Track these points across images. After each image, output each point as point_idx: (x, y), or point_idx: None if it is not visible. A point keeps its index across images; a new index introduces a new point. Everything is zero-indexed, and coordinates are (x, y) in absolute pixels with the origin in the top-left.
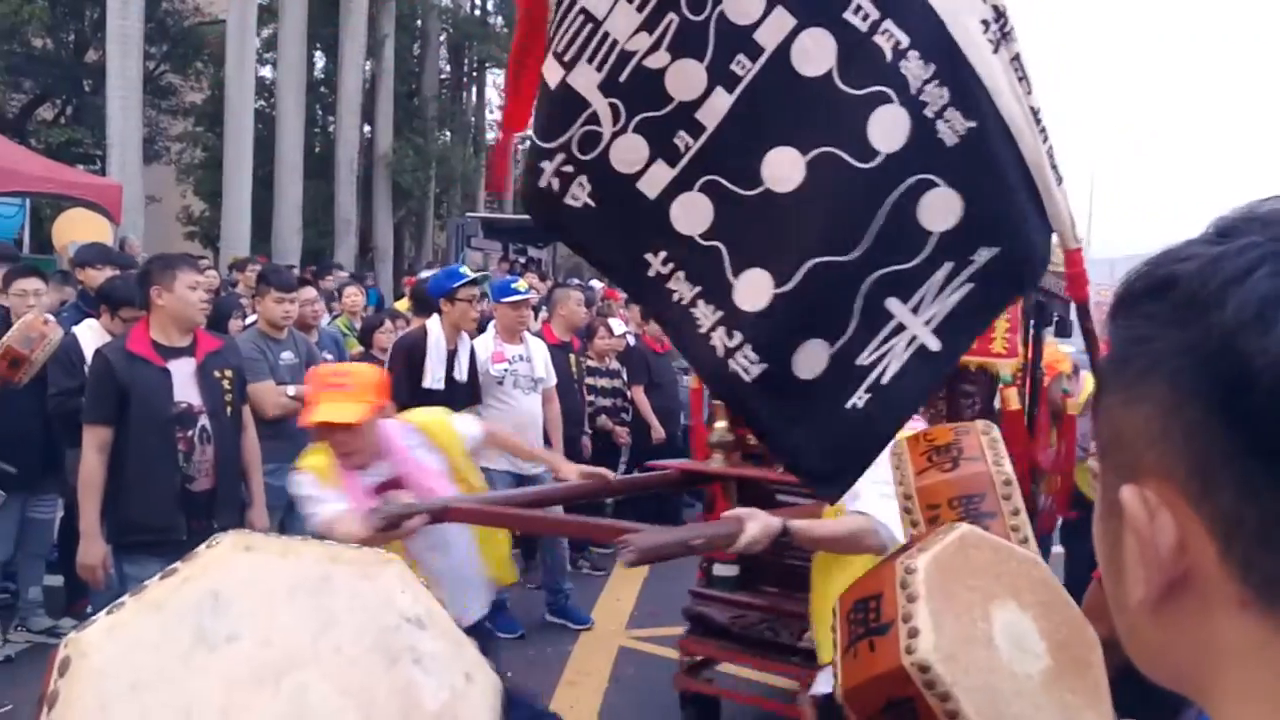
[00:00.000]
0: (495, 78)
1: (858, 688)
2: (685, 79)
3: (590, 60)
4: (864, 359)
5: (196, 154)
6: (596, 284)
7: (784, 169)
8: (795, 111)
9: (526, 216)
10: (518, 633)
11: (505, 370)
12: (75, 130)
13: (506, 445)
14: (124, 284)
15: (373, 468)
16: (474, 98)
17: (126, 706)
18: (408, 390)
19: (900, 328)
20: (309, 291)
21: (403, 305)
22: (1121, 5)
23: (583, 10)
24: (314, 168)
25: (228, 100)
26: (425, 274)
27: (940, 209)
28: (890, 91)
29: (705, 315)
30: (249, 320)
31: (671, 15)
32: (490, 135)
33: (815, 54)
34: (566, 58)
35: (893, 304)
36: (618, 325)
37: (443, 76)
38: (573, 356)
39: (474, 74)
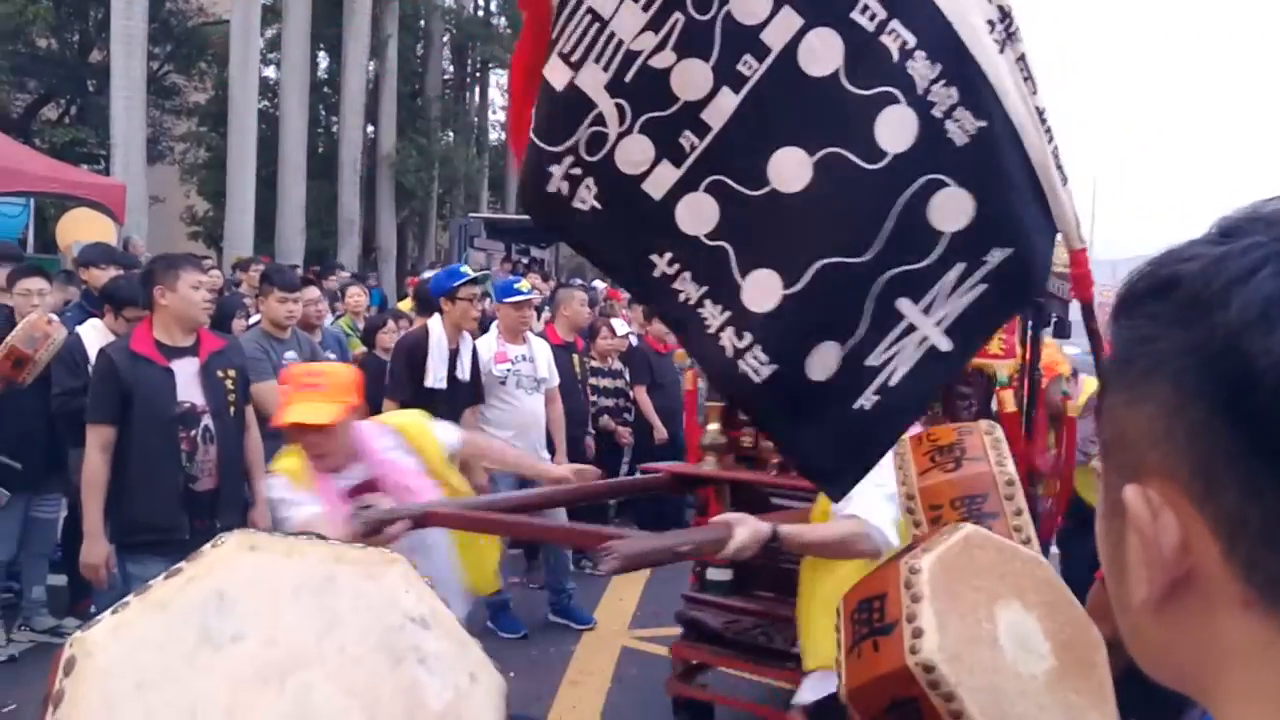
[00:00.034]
0: (498, 78)
1: (862, 688)
2: (691, 79)
3: (597, 60)
4: (873, 360)
5: (200, 154)
6: (599, 284)
7: (790, 169)
8: (802, 112)
9: (529, 217)
10: (521, 633)
11: (508, 370)
12: (79, 130)
13: (486, 453)
14: (127, 284)
15: (347, 470)
16: (477, 98)
17: (131, 705)
18: (410, 390)
19: (911, 328)
20: (313, 291)
21: (406, 305)
22: (1128, 5)
23: (590, 10)
24: (317, 168)
25: (231, 100)
26: (428, 274)
27: (951, 209)
28: (897, 92)
29: (713, 315)
30: (252, 320)
31: (677, 14)
32: (494, 136)
33: (822, 54)
34: (574, 58)
35: (903, 304)
36: (620, 325)
37: (446, 77)
38: (576, 357)
39: (477, 74)
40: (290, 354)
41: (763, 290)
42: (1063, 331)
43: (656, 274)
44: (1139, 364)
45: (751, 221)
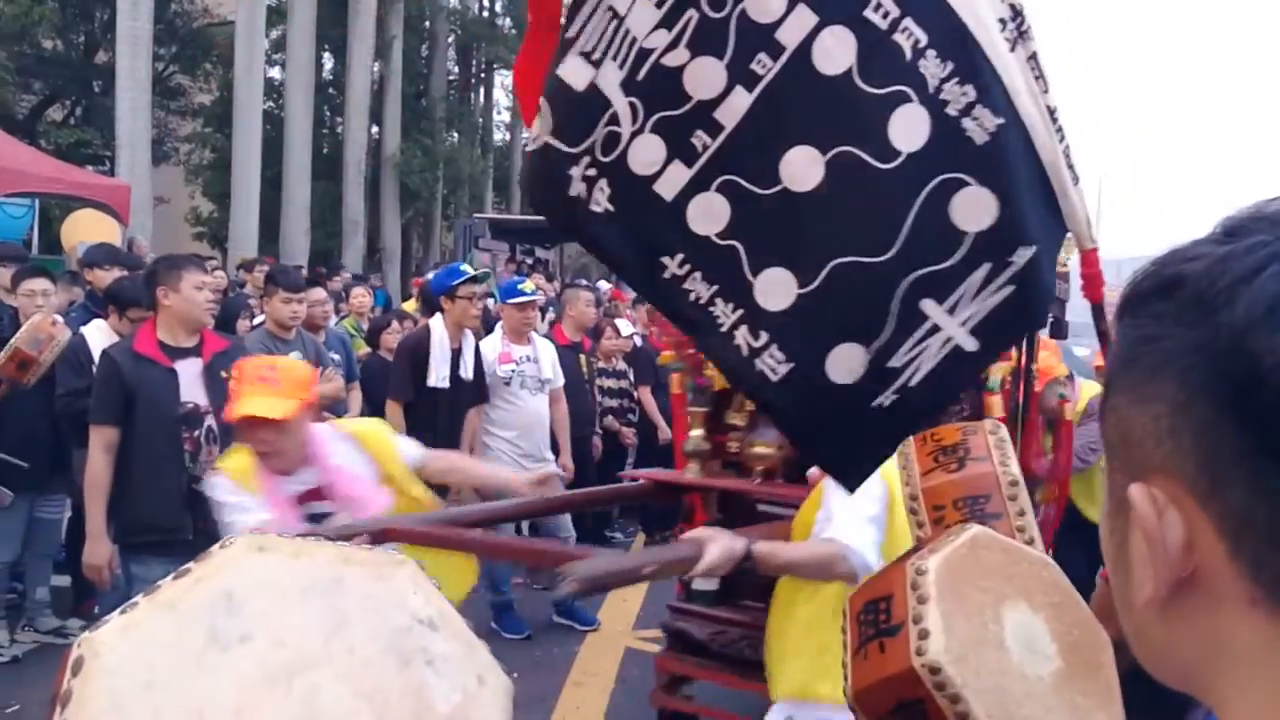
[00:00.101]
0: (503, 79)
1: (868, 689)
2: (704, 77)
3: (614, 58)
4: (896, 361)
5: (205, 155)
6: (604, 284)
7: (802, 168)
8: (815, 111)
9: (533, 217)
10: (524, 634)
11: (512, 371)
12: (84, 131)
13: (456, 469)
14: (132, 285)
15: (298, 473)
16: (482, 99)
17: (139, 706)
18: (413, 390)
19: (935, 329)
20: (318, 292)
21: (410, 306)
22: (1141, 3)
23: (609, 7)
24: (322, 169)
25: (236, 101)
26: (433, 275)
27: (974, 208)
28: (910, 90)
29: (724, 313)
30: (257, 321)
31: (691, 12)
32: (498, 136)
33: (836, 52)
34: (594, 56)
35: (928, 305)
36: (625, 326)
37: (451, 78)
38: (583, 357)
39: (482, 75)
40: (294, 355)
41: (777, 289)
42: (1059, 332)
43: (667, 275)
44: (1144, 363)
45: (762, 220)
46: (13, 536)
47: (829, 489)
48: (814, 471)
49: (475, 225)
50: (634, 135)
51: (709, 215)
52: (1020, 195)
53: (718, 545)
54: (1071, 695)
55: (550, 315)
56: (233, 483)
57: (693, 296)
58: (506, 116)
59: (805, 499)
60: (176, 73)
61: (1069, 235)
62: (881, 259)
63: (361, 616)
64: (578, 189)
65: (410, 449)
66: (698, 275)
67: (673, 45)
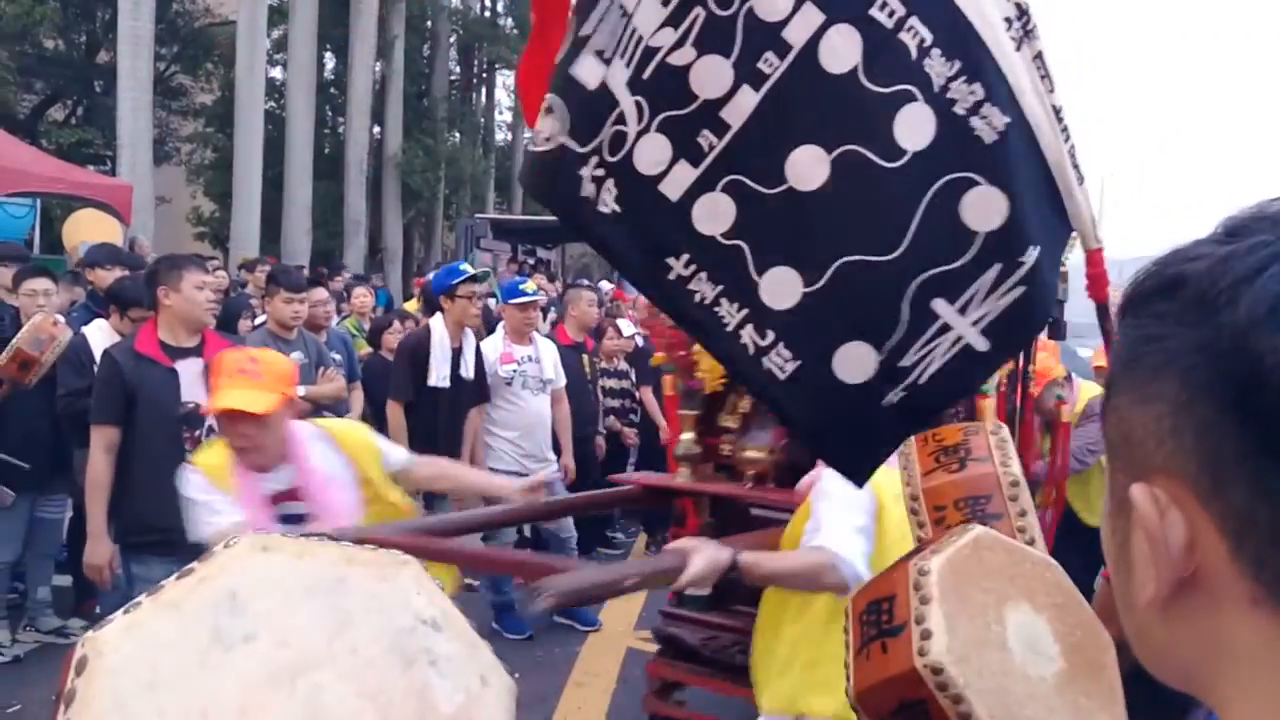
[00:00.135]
0: (505, 79)
1: (870, 689)
2: (711, 76)
3: (622, 56)
4: (907, 361)
5: (207, 155)
6: (605, 284)
7: (807, 167)
8: (820, 109)
9: (535, 217)
10: (526, 634)
11: (514, 371)
12: (86, 131)
13: (445, 477)
14: (133, 284)
15: (275, 471)
16: (483, 99)
17: (143, 705)
18: (413, 390)
19: (945, 328)
20: (320, 293)
21: (412, 306)
22: (1147, 1)
23: (620, 5)
24: (324, 168)
25: (238, 101)
26: (433, 275)
27: (985, 208)
28: (915, 89)
29: (730, 314)
30: (258, 321)
31: (699, 9)
32: (500, 136)
33: (842, 51)
34: (605, 54)
35: (939, 304)
36: (626, 326)
37: (452, 78)
38: (586, 357)
39: (483, 75)
40: (296, 355)
41: (782, 288)
42: (1058, 332)
43: (672, 276)
44: (1146, 363)
45: (767, 220)
46: (14, 536)
47: (817, 499)
48: (804, 483)
49: (477, 225)
50: (640, 135)
51: (714, 215)
52: (1025, 195)
53: (702, 556)
54: (1074, 696)
55: (552, 315)
56: (206, 480)
57: (698, 297)
58: (508, 116)
59: (795, 504)
60: (178, 72)
61: (1074, 235)
62: (888, 258)
63: (365, 617)
64: (588, 189)
65: (395, 453)
66: (703, 276)
67: (679, 43)
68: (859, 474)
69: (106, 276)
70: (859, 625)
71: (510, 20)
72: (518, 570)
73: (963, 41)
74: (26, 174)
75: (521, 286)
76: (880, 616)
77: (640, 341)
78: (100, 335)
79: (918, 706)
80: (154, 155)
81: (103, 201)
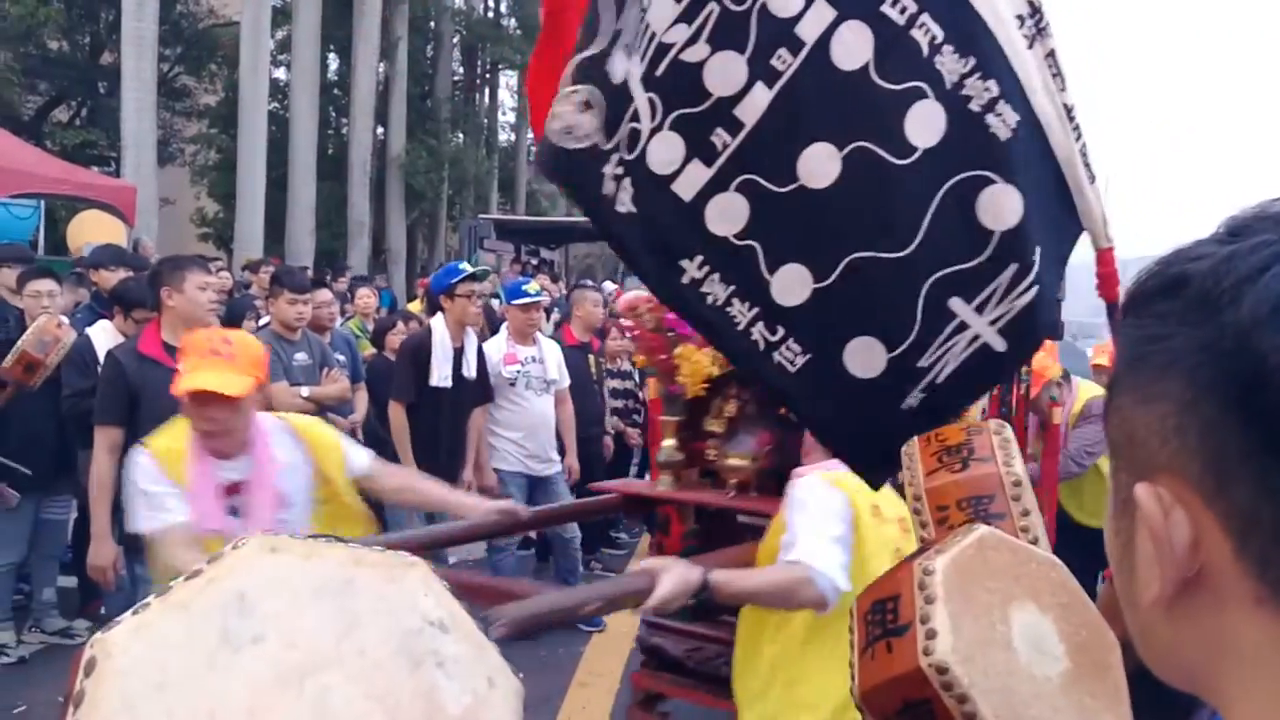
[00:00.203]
0: (508, 79)
1: (874, 689)
2: (725, 73)
3: (638, 52)
4: (925, 360)
5: (210, 156)
6: (609, 285)
7: (819, 164)
8: (832, 106)
9: (538, 218)
10: None
11: (517, 372)
12: (90, 132)
13: (410, 490)
14: (137, 285)
15: (235, 459)
16: (487, 99)
17: (152, 706)
18: (415, 390)
19: (962, 326)
20: (325, 294)
21: (416, 306)
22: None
23: (639, 1)
24: (327, 169)
25: (241, 102)
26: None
27: (1001, 206)
28: (926, 87)
29: (741, 313)
30: (262, 322)
31: (712, 5)
32: (503, 137)
33: (854, 47)
34: (631, 50)
35: (955, 303)
36: None
37: (456, 78)
38: (592, 357)
39: (487, 76)
40: (300, 355)
41: (793, 285)
42: (1055, 331)
43: (686, 280)
44: (1150, 362)
45: (779, 218)
46: (19, 538)
47: (791, 509)
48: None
49: (480, 226)
50: (653, 133)
51: (728, 216)
52: (1033, 194)
53: (671, 576)
54: (1079, 696)
55: (555, 316)
56: (156, 466)
57: (710, 299)
58: (512, 117)
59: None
60: (182, 74)
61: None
62: (899, 255)
63: (373, 618)
64: (608, 187)
65: (359, 458)
66: (715, 277)
67: (692, 40)
68: (876, 474)
69: (110, 278)
70: (864, 625)
71: (514, 21)
72: (476, 594)
73: (975, 39)
74: (31, 175)
75: (524, 287)
76: (885, 616)
77: None
78: (104, 336)
79: (922, 706)
80: (158, 156)
81: (107, 203)
